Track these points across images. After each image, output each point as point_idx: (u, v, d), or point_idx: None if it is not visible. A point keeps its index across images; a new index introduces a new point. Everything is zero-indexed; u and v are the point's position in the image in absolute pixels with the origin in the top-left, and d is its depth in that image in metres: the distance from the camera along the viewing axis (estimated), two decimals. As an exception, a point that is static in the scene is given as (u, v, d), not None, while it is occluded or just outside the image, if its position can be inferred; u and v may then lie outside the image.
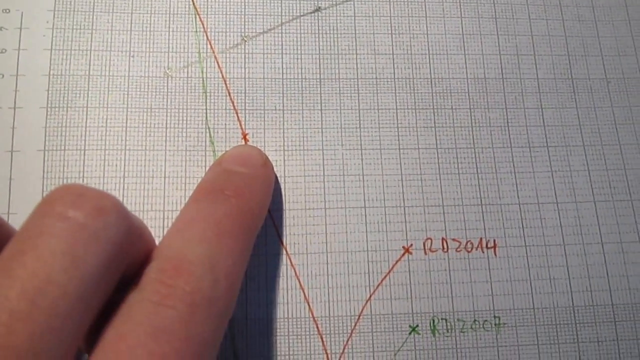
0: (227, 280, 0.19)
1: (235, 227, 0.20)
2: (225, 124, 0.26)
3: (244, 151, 0.24)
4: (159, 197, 0.25)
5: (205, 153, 0.25)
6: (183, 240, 0.19)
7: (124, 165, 0.25)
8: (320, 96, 0.26)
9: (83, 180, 0.25)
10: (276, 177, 0.25)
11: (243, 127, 0.26)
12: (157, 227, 0.25)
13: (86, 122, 0.25)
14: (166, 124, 0.26)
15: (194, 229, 0.20)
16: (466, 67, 0.27)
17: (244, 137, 0.26)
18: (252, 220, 0.22)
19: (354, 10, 0.28)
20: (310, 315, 0.24)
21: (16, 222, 0.24)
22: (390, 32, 0.27)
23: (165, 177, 0.25)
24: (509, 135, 0.27)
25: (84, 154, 0.25)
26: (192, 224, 0.20)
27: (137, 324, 0.17)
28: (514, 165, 0.26)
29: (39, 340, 0.14)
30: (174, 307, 0.17)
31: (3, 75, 0.26)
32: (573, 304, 0.25)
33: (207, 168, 0.25)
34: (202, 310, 0.17)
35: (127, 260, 0.18)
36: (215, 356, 0.18)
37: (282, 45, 0.27)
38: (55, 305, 0.15)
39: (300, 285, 0.24)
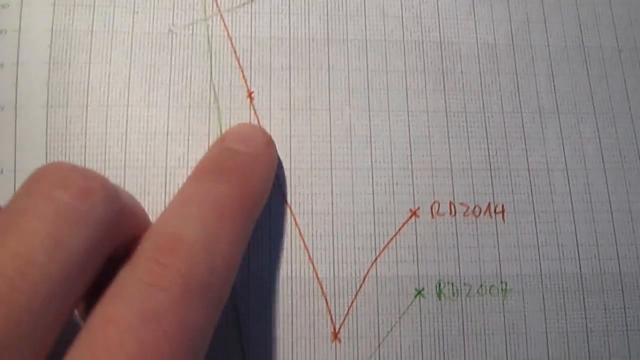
0: (224, 265, 0.18)
1: (235, 210, 0.20)
2: (230, 82, 0.25)
3: (248, 130, 0.23)
4: (161, 153, 0.24)
5: (210, 111, 0.25)
6: (180, 219, 0.19)
7: (127, 121, 0.25)
8: (328, 56, 0.26)
9: (85, 136, 0.24)
10: (279, 158, 0.24)
11: (248, 85, 0.25)
12: (160, 184, 0.24)
13: (89, 78, 0.25)
14: (170, 80, 0.25)
15: (192, 208, 0.19)
16: (476, 33, 0.27)
17: (250, 95, 0.25)
18: (253, 204, 0.21)
19: (364, -28, 0.27)
20: (314, 276, 0.24)
21: (21, 179, 0.24)
22: (399, -5, 0.27)
23: (168, 134, 0.25)
24: (520, 101, 0.26)
25: (87, 110, 0.25)
26: (191, 203, 0.19)
27: (128, 306, 0.16)
28: (524, 130, 0.26)
29: (18, 322, 0.14)
30: (168, 290, 0.16)
31: (6, 31, 0.26)
32: (581, 271, 0.25)
33: (211, 125, 0.25)
34: (197, 295, 0.17)
35: (117, 241, 0.17)
36: (207, 345, 0.18)
37: (289, 4, 0.26)
38: (35, 287, 0.14)
39: (305, 245, 0.24)
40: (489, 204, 0.25)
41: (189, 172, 0.24)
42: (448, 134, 0.26)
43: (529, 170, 0.25)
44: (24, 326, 0.14)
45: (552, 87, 0.27)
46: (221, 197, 0.20)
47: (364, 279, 0.24)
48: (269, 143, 0.23)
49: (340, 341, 0.23)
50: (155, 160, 0.24)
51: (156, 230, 0.18)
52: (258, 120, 0.25)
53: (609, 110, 0.27)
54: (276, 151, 0.24)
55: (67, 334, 0.16)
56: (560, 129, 0.26)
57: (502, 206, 0.25)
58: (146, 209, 0.23)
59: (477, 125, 0.26)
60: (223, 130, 0.25)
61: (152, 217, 0.23)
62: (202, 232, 0.18)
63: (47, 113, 0.25)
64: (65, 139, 0.24)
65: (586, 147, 0.26)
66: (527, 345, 0.24)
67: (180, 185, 0.23)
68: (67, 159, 0.24)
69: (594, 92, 0.27)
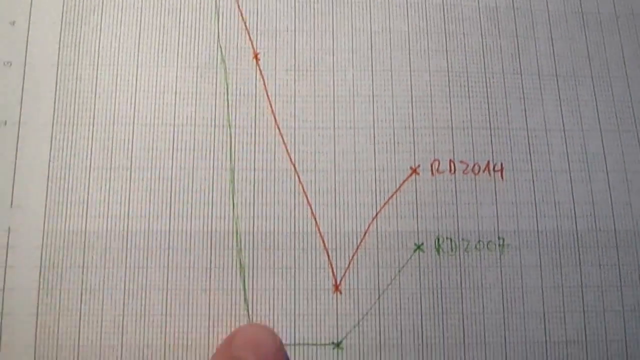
0: None
1: None
2: (237, 44, 0.26)
3: (256, 335, 0.22)
4: (169, 111, 0.25)
5: (217, 71, 0.26)
6: None
7: (136, 80, 0.25)
8: (333, 18, 0.26)
9: (95, 93, 0.25)
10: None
11: (254, 46, 0.26)
12: (167, 140, 0.25)
13: (100, 38, 0.26)
14: (178, 41, 0.26)
15: None
16: (478, -4, 0.28)
17: (255, 56, 0.26)
18: None
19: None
20: (317, 231, 0.24)
21: (27, 130, 0.25)
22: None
23: (176, 93, 0.25)
24: (520, 63, 0.27)
25: (97, 69, 0.25)
26: None
27: None
28: (523, 92, 0.26)
29: None
30: None
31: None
32: (577, 228, 0.25)
33: (218, 85, 0.25)
34: None
35: None
36: None
37: (295, -32, 0.27)
38: None
39: (308, 201, 0.25)
40: (488, 162, 0.26)
41: (196, 130, 0.24)
42: (449, 93, 0.26)
43: (527, 130, 0.26)
44: None
45: (552, 50, 0.27)
46: None
47: (365, 233, 0.25)
48: (279, 350, 0.22)
49: (341, 293, 0.24)
50: (163, 118, 0.25)
51: None
52: (264, 81, 0.26)
53: (606, 74, 0.27)
54: (287, 355, 0.23)
55: None
56: (559, 91, 0.27)
57: (501, 164, 0.26)
58: (154, 165, 0.24)
59: (478, 85, 0.26)
60: (230, 91, 0.25)
61: (158, 172, 0.24)
62: None
63: (57, 71, 0.25)
64: (75, 96, 0.25)
65: (583, 110, 0.27)
66: (523, 299, 0.24)
67: (187, 143, 0.24)
68: (75, 115, 0.25)
69: (591, 56, 0.27)
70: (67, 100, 0.25)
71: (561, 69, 0.27)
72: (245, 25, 0.26)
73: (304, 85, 0.26)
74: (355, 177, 0.25)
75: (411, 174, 0.25)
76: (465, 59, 0.27)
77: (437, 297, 0.24)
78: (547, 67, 0.27)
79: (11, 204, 0.24)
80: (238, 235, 0.24)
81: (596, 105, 0.27)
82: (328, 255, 0.24)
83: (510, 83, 0.26)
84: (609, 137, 0.26)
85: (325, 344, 0.24)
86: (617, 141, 0.26)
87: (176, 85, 0.25)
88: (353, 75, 0.26)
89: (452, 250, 0.25)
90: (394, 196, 0.25)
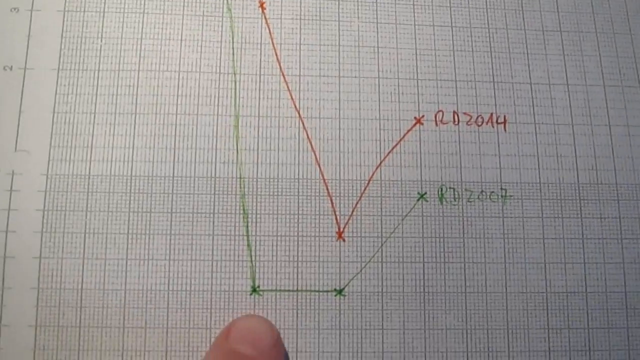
0: None
1: None
2: (243, -7, 0.26)
3: (254, 327, 0.22)
4: (175, 58, 0.25)
5: (222, 19, 0.26)
6: None
7: (142, 27, 0.25)
8: (339, -30, 0.27)
9: (101, 40, 0.25)
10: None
11: (261, -5, 0.26)
12: (172, 87, 0.25)
13: (105, -14, 0.26)
14: (184, -11, 0.26)
15: None
16: (482, -46, 0.28)
17: (261, 5, 0.26)
18: None
19: None
20: (321, 177, 0.24)
21: (32, 75, 0.25)
22: None
23: (181, 40, 0.25)
24: (523, 19, 0.27)
25: (104, 16, 0.25)
26: None
27: None
28: (527, 47, 0.27)
29: None
30: None
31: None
32: (578, 181, 0.25)
33: (224, 33, 0.25)
34: None
35: None
36: None
37: None
38: None
39: (312, 147, 0.25)
40: (492, 114, 0.26)
41: (201, 77, 0.25)
42: (453, 47, 0.26)
43: (530, 84, 0.26)
44: None
45: (556, 5, 0.27)
46: None
47: (369, 181, 0.25)
48: (277, 344, 0.22)
49: (344, 240, 0.24)
50: (168, 65, 0.25)
51: None
52: (269, 29, 0.26)
53: (610, 30, 0.27)
54: (284, 349, 0.23)
55: None
56: (562, 46, 0.27)
57: (504, 117, 0.26)
58: (158, 111, 0.24)
59: (481, 40, 0.26)
60: (235, 38, 0.26)
61: (163, 117, 0.24)
62: None
63: (63, 17, 0.25)
64: (81, 42, 0.25)
65: (587, 64, 0.27)
66: (524, 249, 0.24)
67: (192, 89, 0.24)
68: (81, 61, 0.25)
69: (595, 11, 0.27)
70: (73, 46, 0.25)
71: (565, 25, 0.27)
72: (252, -24, 0.26)
73: (309, 34, 0.26)
74: (360, 125, 0.25)
75: (415, 124, 0.25)
76: (469, 13, 0.27)
77: (440, 245, 0.24)
78: (551, 23, 0.27)
79: (15, 147, 0.24)
80: (242, 181, 0.24)
81: (600, 60, 0.27)
82: (332, 202, 0.24)
83: (513, 38, 0.27)
84: (612, 92, 0.27)
85: (327, 291, 0.24)
86: (620, 95, 0.27)
87: (182, 33, 0.25)
88: (358, 26, 0.26)
89: (454, 199, 0.25)
90: (398, 145, 0.25)
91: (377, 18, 0.26)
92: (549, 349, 0.24)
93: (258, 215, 0.24)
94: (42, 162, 0.24)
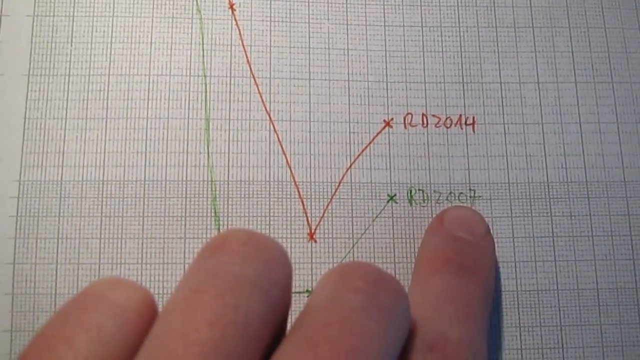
0: None
1: (483, 309, 0.21)
2: (213, -6, 0.26)
3: (468, 216, 0.23)
4: (145, 62, 0.25)
5: (192, 21, 0.26)
6: (444, 319, 0.19)
7: (112, 31, 0.25)
8: (308, -30, 0.26)
9: (71, 44, 0.25)
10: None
11: (230, -3, 0.26)
12: (142, 90, 0.25)
13: (74, -11, 0.26)
14: (154, -8, 0.26)
15: (449, 307, 0.20)
16: (454, -50, 0.27)
17: (231, 6, 0.26)
18: (491, 300, 0.22)
19: None
20: (292, 180, 0.25)
21: (3, 81, 0.25)
22: None
23: (151, 43, 0.25)
24: (495, 16, 0.27)
25: (73, 20, 0.25)
26: (446, 300, 0.20)
27: None
28: (497, 45, 0.27)
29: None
30: None
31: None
32: (548, 180, 0.26)
33: (194, 35, 0.25)
34: None
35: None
36: None
37: None
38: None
39: (283, 150, 0.25)
40: (460, 115, 0.26)
41: (171, 80, 0.25)
42: (423, 47, 0.26)
43: (500, 84, 0.26)
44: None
45: (529, 2, 0.27)
46: (472, 297, 0.21)
47: (339, 184, 0.25)
48: (488, 232, 0.23)
49: (316, 241, 0.24)
50: (139, 68, 0.25)
51: (421, 326, 0.18)
52: (239, 31, 0.26)
53: (584, 25, 0.27)
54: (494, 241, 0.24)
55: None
56: (534, 43, 0.27)
57: (473, 118, 0.26)
58: (129, 115, 0.24)
59: (451, 39, 0.26)
60: (205, 40, 0.26)
61: (134, 122, 0.24)
62: (465, 333, 0.19)
63: (33, 21, 0.25)
64: (51, 47, 0.25)
65: (559, 61, 0.27)
66: (495, 249, 0.25)
67: (162, 92, 0.24)
68: (51, 66, 0.25)
69: (569, 5, 0.27)
70: (43, 51, 0.25)
71: (537, 20, 0.27)
72: (221, -23, 0.26)
73: (279, 36, 0.26)
74: (330, 128, 0.25)
75: (384, 127, 0.25)
76: (439, 12, 0.27)
77: (410, 246, 0.25)
78: (524, 19, 0.27)
79: (-12, 154, 0.24)
80: (213, 184, 0.24)
81: (572, 56, 0.27)
82: (303, 204, 0.25)
83: (484, 36, 0.27)
84: (583, 88, 0.27)
85: (300, 292, 0.24)
86: (591, 92, 0.26)
87: (151, 36, 0.25)
88: (328, 28, 0.26)
89: (424, 201, 0.25)
90: (368, 148, 0.25)
91: (347, 19, 0.26)
92: (521, 346, 0.24)
93: (229, 218, 0.24)
94: (15, 168, 0.24)
